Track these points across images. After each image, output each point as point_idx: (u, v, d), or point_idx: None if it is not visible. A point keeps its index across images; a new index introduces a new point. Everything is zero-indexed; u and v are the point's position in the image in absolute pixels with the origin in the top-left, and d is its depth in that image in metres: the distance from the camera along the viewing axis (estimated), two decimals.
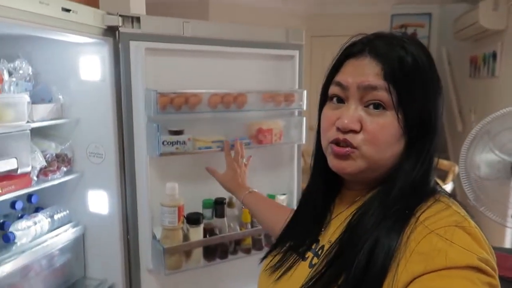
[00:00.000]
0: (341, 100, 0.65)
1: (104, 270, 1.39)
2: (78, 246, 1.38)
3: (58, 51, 1.28)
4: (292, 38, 1.56)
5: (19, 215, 1.26)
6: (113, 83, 1.26)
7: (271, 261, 0.77)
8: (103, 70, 1.26)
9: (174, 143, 1.30)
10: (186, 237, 1.37)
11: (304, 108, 1.57)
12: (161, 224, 1.33)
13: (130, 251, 1.36)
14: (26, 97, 1.13)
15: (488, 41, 3.18)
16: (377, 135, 0.61)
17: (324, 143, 0.68)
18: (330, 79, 0.68)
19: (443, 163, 3.01)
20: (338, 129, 0.63)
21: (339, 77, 0.65)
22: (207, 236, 1.40)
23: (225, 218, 1.43)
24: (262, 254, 0.82)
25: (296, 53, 1.57)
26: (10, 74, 1.16)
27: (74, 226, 1.36)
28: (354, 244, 0.60)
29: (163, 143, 1.28)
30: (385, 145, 0.62)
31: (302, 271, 0.69)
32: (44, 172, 1.23)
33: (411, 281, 0.54)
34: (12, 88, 1.14)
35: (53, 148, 1.27)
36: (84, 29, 1.14)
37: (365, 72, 0.62)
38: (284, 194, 1.60)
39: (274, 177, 1.64)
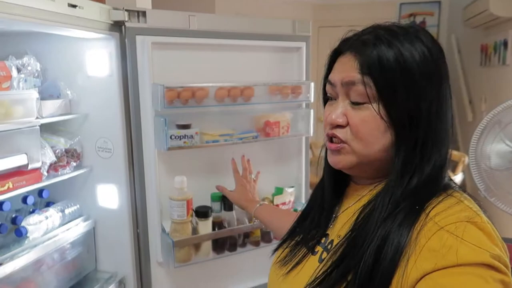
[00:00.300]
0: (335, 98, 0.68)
1: (115, 263, 1.41)
2: (89, 240, 1.40)
3: (66, 47, 1.29)
4: (299, 30, 1.54)
5: (31, 210, 1.28)
6: (120, 78, 1.27)
7: (281, 253, 0.78)
8: (110, 65, 1.27)
9: (181, 137, 1.30)
10: (195, 230, 1.38)
11: (312, 100, 1.56)
12: (170, 218, 1.34)
13: (140, 245, 1.37)
14: (35, 93, 1.14)
15: (499, 29, 3.12)
16: (359, 128, 0.63)
17: (324, 139, 0.70)
18: (326, 77, 0.70)
19: (453, 153, 2.98)
20: (331, 125, 0.66)
21: (330, 76, 0.68)
22: (216, 229, 1.41)
23: (233, 211, 1.43)
24: (271, 246, 0.83)
25: (303, 44, 1.56)
26: (18, 70, 1.17)
27: (84, 220, 1.37)
28: (362, 240, 0.60)
29: (170, 137, 1.28)
30: (369, 139, 0.63)
31: (312, 265, 0.70)
32: (54, 167, 1.24)
33: (421, 278, 0.53)
34: (21, 84, 1.15)
35: (62, 143, 1.28)
36: (91, 25, 1.14)
37: (346, 68, 0.64)
38: (292, 187, 1.60)
39: (282, 170, 1.64)
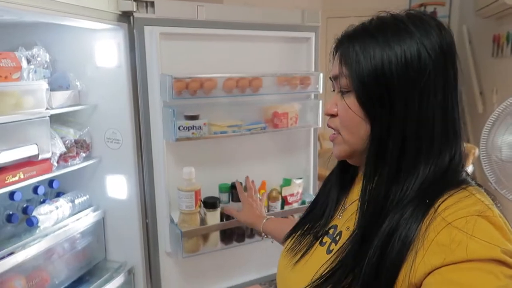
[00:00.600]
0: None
1: (124, 253, 1.42)
2: (98, 229, 1.41)
3: (74, 38, 1.29)
4: (308, 20, 1.53)
5: (41, 200, 1.29)
6: (129, 69, 1.27)
7: (290, 242, 0.78)
8: (118, 56, 1.27)
9: (190, 128, 1.30)
10: (203, 221, 1.39)
11: (320, 91, 1.55)
12: (179, 208, 1.35)
13: (148, 235, 1.39)
14: (45, 84, 1.15)
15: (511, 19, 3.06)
16: (343, 115, 0.66)
17: None
18: None
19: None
20: (326, 115, 0.71)
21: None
22: (224, 220, 1.42)
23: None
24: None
25: (312, 35, 1.54)
26: (28, 61, 1.17)
27: (94, 211, 1.39)
28: (368, 235, 0.60)
29: (179, 128, 1.28)
30: (352, 126, 0.65)
31: (319, 256, 0.70)
32: (64, 158, 1.25)
33: (429, 273, 0.52)
34: (30, 75, 1.16)
35: (72, 134, 1.29)
36: (99, 15, 1.14)
37: (335, 63, 0.67)
38: (300, 178, 1.59)
39: (290, 161, 1.64)
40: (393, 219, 0.58)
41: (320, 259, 0.68)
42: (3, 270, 1.03)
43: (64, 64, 1.32)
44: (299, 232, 0.79)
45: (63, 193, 1.35)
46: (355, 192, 0.73)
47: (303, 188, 1.61)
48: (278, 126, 1.47)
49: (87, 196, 1.37)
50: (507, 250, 0.52)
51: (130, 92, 1.28)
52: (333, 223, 0.74)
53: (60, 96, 1.24)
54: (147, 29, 1.25)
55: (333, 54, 0.68)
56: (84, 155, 1.32)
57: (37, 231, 1.19)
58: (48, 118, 1.16)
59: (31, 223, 1.17)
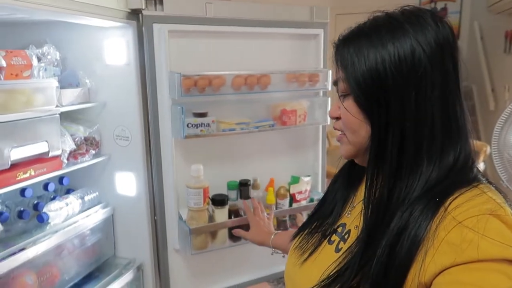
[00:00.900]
0: None
1: (133, 250, 1.43)
2: (108, 226, 1.42)
3: (84, 36, 1.30)
4: (317, 16, 1.52)
5: (52, 196, 1.31)
6: (138, 67, 1.27)
7: (299, 240, 0.78)
8: (127, 54, 1.27)
9: (198, 125, 1.31)
10: (211, 218, 1.39)
11: (329, 88, 1.54)
12: (187, 205, 1.36)
13: (157, 232, 1.39)
14: (55, 82, 1.16)
15: None
16: (344, 117, 0.67)
17: None
18: None
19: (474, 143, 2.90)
20: (331, 118, 0.72)
21: None
22: (232, 217, 1.42)
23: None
24: None
25: (320, 31, 1.53)
26: (39, 59, 1.18)
27: (103, 207, 1.40)
28: (376, 234, 0.59)
29: (187, 125, 1.29)
30: (353, 127, 0.65)
31: (328, 255, 0.69)
32: (73, 155, 1.26)
33: (439, 273, 0.52)
34: (41, 73, 1.17)
35: (81, 131, 1.30)
36: (109, 13, 1.15)
37: (334, 69, 0.68)
38: (308, 176, 1.59)
39: (299, 158, 1.63)
40: (401, 217, 0.57)
41: (328, 257, 0.68)
42: (14, 266, 1.04)
43: (73, 62, 1.33)
44: (307, 230, 0.78)
45: (73, 190, 1.36)
46: (364, 190, 0.73)
47: (311, 186, 1.60)
48: (286, 124, 1.46)
49: (97, 193, 1.39)
50: None
51: (139, 90, 1.29)
52: (341, 221, 0.74)
53: (70, 94, 1.25)
54: (155, 26, 1.25)
55: (333, 59, 0.69)
56: (93, 152, 1.33)
57: (48, 227, 1.20)
58: (58, 115, 1.17)
59: (42, 220, 1.18)
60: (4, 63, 1.01)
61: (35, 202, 1.23)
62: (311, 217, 0.82)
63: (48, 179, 1.20)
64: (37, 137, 1.11)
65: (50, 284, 1.19)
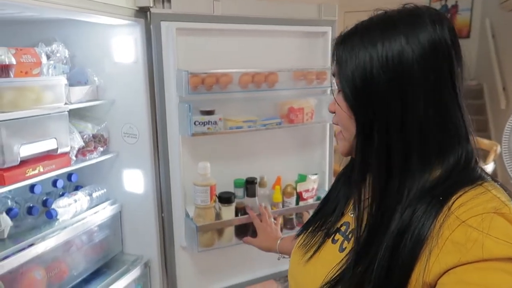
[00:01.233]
0: None
1: (140, 246, 1.44)
2: (115, 223, 1.43)
3: (92, 34, 1.31)
4: (325, 14, 1.51)
5: (60, 193, 1.32)
6: (146, 64, 1.28)
7: (302, 239, 0.78)
8: (135, 51, 1.28)
9: (205, 123, 1.31)
10: (218, 216, 1.40)
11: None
12: (194, 203, 1.36)
13: (164, 229, 1.40)
14: (64, 80, 1.17)
15: None
16: (336, 112, 0.69)
17: None
18: None
19: (483, 142, 2.86)
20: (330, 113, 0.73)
21: None
22: (239, 215, 1.42)
23: (256, 198, 1.44)
24: (293, 233, 0.83)
25: (328, 29, 1.52)
26: (48, 57, 1.19)
27: (111, 204, 1.41)
28: (377, 234, 0.59)
29: (194, 123, 1.29)
30: (344, 122, 0.67)
31: (331, 254, 0.69)
32: (82, 152, 1.27)
33: (444, 273, 0.51)
34: (50, 71, 1.18)
35: (89, 129, 1.31)
36: (117, 11, 1.15)
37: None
38: (315, 174, 1.58)
39: (306, 157, 1.63)
40: (403, 217, 0.57)
41: (332, 257, 0.67)
42: (24, 261, 1.06)
43: (82, 59, 1.34)
44: (310, 228, 0.78)
45: (81, 187, 1.37)
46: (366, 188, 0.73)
47: (318, 184, 1.60)
48: (293, 122, 1.46)
49: (105, 190, 1.40)
50: None
51: (147, 88, 1.30)
52: (344, 219, 0.74)
53: (79, 91, 1.26)
54: (163, 24, 1.26)
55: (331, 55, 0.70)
56: (101, 149, 1.34)
57: (56, 223, 1.21)
58: (67, 113, 1.18)
59: (51, 216, 1.20)
60: (14, 61, 1.03)
61: (44, 198, 1.24)
62: (314, 215, 0.82)
63: (57, 175, 1.21)
64: (46, 134, 1.12)
65: (59, 279, 1.20)
